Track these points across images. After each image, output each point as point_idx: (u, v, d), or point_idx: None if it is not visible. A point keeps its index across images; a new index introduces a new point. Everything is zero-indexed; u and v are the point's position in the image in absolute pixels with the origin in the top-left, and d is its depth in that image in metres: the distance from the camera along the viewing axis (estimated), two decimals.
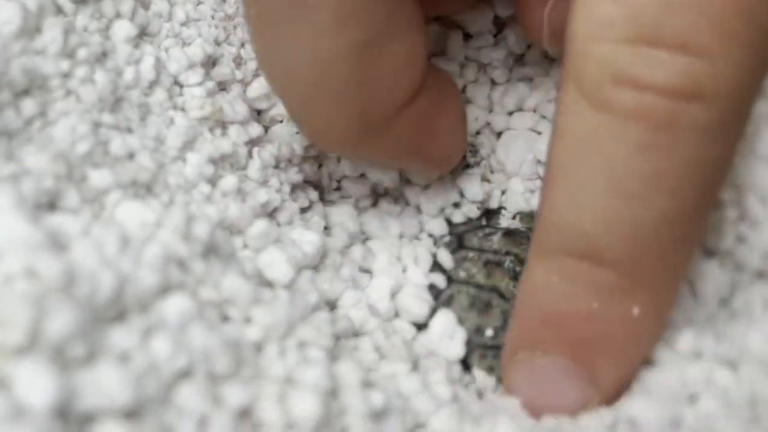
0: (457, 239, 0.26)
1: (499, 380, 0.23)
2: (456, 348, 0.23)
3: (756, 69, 0.16)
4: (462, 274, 0.24)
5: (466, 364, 0.23)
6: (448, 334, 0.23)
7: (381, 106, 0.20)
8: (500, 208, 0.27)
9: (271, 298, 0.18)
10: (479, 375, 0.22)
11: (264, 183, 0.23)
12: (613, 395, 0.19)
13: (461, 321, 0.23)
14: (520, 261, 0.25)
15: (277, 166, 0.24)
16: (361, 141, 0.21)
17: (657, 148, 0.17)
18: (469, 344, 0.23)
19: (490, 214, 0.27)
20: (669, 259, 0.18)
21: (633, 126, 0.17)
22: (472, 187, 0.26)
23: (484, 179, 0.27)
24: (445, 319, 0.23)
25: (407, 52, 0.20)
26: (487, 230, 0.26)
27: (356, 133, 0.20)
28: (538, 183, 0.26)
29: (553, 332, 0.19)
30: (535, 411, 0.20)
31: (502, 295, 0.24)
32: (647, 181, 0.17)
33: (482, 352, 0.23)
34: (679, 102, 0.16)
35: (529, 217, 0.26)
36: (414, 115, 0.21)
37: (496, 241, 0.25)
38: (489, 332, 0.23)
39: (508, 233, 0.25)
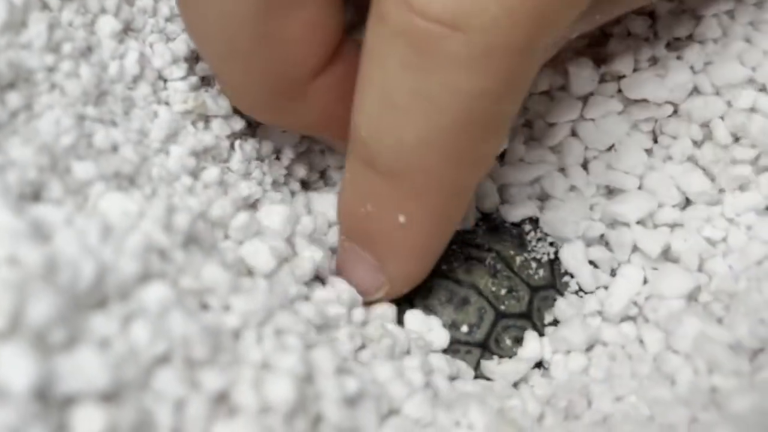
0: None
1: (474, 370, 0.24)
2: (440, 337, 0.23)
3: (527, 10, 0.17)
4: (443, 267, 0.25)
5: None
6: (426, 327, 0.23)
7: (291, 70, 0.21)
8: None
9: (251, 286, 0.19)
10: (453, 364, 0.23)
11: (246, 175, 0.23)
12: (402, 287, 0.23)
13: (437, 315, 0.24)
14: (501, 258, 0.25)
15: (259, 159, 0.24)
16: (274, 106, 0.21)
17: (419, 69, 0.17)
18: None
19: None
20: (430, 176, 0.19)
21: (402, 43, 0.17)
22: None
23: None
24: (414, 317, 0.23)
25: (315, 17, 0.20)
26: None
27: (267, 97, 0.21)
28: None
29: (349, 224, 0.22)
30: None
31: (480, 293, 0.24)
32: (409, 100, 0.18)
33: (455, 348, 0.24)
34: (440, 28, 0.17)
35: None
36: (329, 83, 0.21)
37: (480, 234, 0.26)
38: (464, 328, 0.24)
39: (493, 228, 0.26)
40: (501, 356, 0.24)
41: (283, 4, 0.19)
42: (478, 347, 0.24)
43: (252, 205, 0.23)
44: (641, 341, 0.23)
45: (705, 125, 0.25)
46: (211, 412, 0.15)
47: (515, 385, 0.23)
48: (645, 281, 0.24)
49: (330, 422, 0.17)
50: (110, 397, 0.14)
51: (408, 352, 0.22)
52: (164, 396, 0.15)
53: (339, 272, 0.23)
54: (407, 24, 0.17)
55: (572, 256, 0.25)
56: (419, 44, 0.17)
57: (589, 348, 0.23)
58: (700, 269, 0.23)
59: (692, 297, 0.23)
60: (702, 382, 0.20)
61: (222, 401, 0.15)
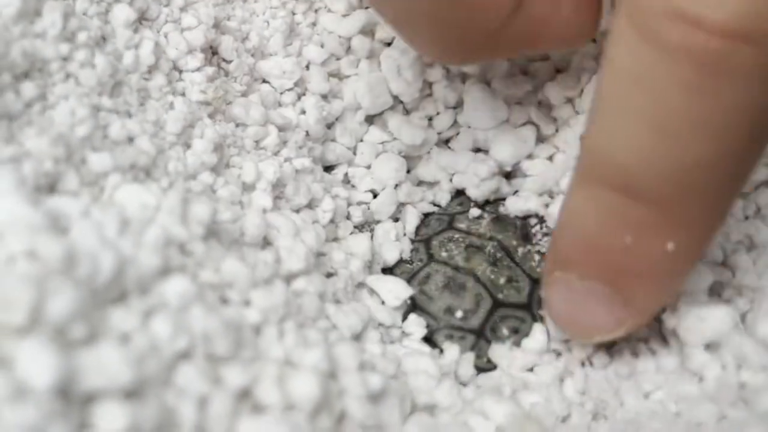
0: (449, 219, 0.26)
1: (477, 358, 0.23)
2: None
3: None
4: (443, 255, 0.25)
5: (431, 342, 0.23)
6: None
7: (479, 22, 0.19)
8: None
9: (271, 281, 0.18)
10: (452, 355, 0.22)
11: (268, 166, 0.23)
12: (649, 318, 0.20)
13: (433, 300, 0.24)
14: (503, 248, 0.25)
15: (279, 152, 0.24)
16: (469, 55, 0.21)
17: (703, 90, 0.16)
18: (437, 323, 0.24)
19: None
20: (706, 201, 0.18)
21: (681, 64, 0.16)
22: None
23: None
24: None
25: None
26: (477, 212, 0.26)
27: (459, 51, 0.20)
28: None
29: (589, 259, 0.19)
30: (569, 329, 0.21)
31: (477, 280, 0.24)
32: (690, 124, 0.16)
33: (449, 333, 0.23)
34: (730, 42, 0.15)
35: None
36: (521, 28, 0.20)
37: (483, 224, 0.26)
38: (458, 314, 0.24)
39: (497, 218, 0.26)
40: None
41: None
42: (472, 334, 0.24)
43: (278, 196, 0.22)
44: (663, 337, 0.22)
45: None
46: (235, 409, 0.15)
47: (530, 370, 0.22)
48: None
49: (354, 419, 0.16)
50: (132, 393, 0.14)
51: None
52: (187, 392, 0.14)
53: (562, 314, 0.21)
54: (691, 41, 0.16)
55: None
56: (705, 63, 0.16)
57: (610, 344, 0.23)
58: (724, 264, 0.23)
59: (714, 292, 0.23)
60: (730, 379, 0.19)
61: (245, 398, 0.15)
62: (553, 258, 0.21)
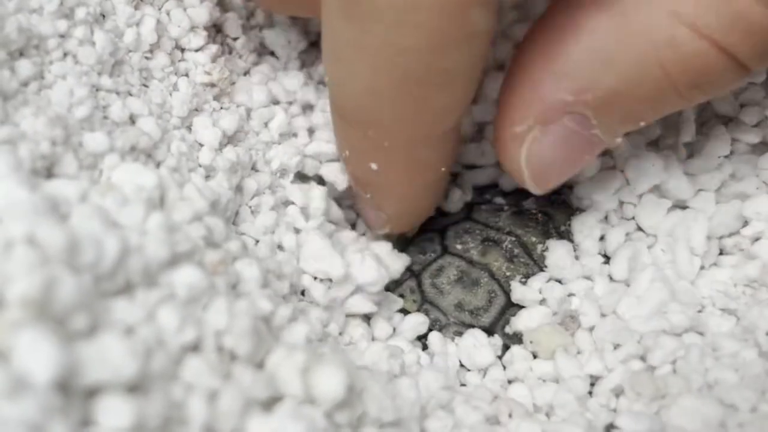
0: (467, 209, 0.25)
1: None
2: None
3: None
4: (458, 247, 0.24)
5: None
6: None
7: None
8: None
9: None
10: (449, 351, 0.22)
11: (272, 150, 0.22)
12: (403, 225, 0.24)
13: (444, 293, 0.23)
14: (521, 244, 0.24)
15: (284, 135, 0.23)
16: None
17: (357, 20, 0.17)
18: (447, 318, 0.23)
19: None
20: (392, 127, 0.19)
21: None
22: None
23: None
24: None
25: None
26: (496, 204, 0.25)
27: None
28: None
29: (345, 168, 0.22)
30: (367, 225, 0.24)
31: (492, 276, 0.23)
32: (353, 50, 0.17)
33: (457, 329, 0.22)
34: None
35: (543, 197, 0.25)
36: None
37: (503, 217, 0.24)
38: (469, 310, 0.23)
39: (518, 212, 0.25)
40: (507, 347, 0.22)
41: None
42: (483, 331, 0.23)
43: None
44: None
45: None
46: (247, 405, 0.14)
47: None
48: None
49: (373, 415, 0.15)
50: (137, 387, 0.13)
51: None
52: (195, 387, 0.13)
53: (362, 216, 0.24)
54: None
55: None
56: None
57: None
58: (749, 254, 0.22)
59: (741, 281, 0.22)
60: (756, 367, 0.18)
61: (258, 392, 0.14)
62: None
